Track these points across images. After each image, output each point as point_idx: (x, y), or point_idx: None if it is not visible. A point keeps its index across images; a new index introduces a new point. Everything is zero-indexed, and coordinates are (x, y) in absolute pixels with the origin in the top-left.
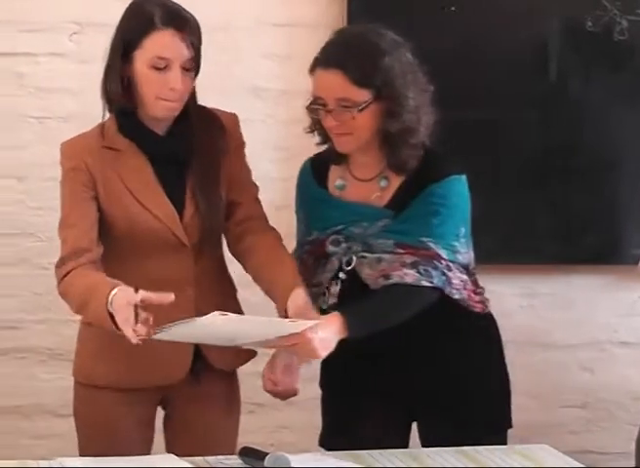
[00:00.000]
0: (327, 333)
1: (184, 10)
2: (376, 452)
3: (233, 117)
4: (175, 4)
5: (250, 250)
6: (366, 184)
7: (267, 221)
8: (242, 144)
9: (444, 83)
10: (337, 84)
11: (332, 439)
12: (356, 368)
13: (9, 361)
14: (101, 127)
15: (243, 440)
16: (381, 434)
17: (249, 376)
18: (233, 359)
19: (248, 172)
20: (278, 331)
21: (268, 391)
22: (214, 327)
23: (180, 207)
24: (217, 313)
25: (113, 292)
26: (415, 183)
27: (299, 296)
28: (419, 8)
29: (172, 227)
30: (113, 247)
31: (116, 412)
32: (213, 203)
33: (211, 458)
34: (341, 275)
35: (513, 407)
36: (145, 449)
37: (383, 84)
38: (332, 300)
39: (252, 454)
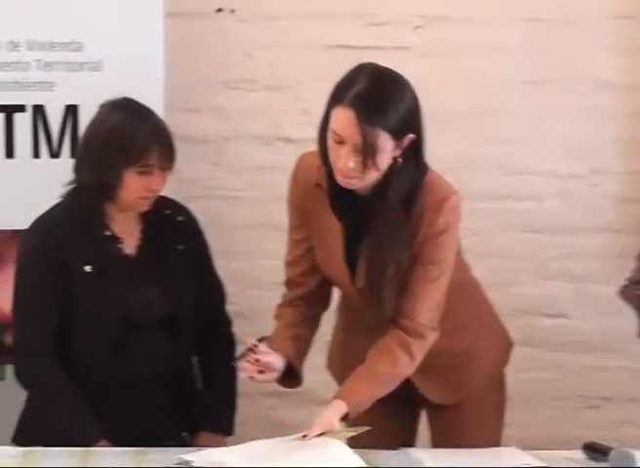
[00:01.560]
0: None
1: (382, 95)
2: None
3: (442, 199)
4: (381, 83)
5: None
6: None
7: (421, 325)
8: (437, 232)
9: None
10: None
11: None
12: None
13: None
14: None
15: (587, 434)
16: None
17: (590, 371)
18: (446, 394)
19: (429, 266)
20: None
21: None
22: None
23: (353, 271)
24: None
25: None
26: None
27: (334, 413)
28: None
29: (345, 286)
30: None
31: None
32: (381, 281)
33: (555, 452)
34: None
35: None
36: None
37: None
38: None
39: (596, 449)
